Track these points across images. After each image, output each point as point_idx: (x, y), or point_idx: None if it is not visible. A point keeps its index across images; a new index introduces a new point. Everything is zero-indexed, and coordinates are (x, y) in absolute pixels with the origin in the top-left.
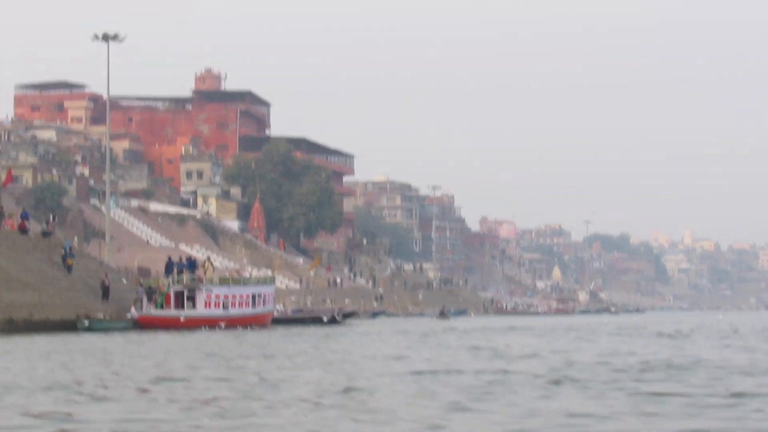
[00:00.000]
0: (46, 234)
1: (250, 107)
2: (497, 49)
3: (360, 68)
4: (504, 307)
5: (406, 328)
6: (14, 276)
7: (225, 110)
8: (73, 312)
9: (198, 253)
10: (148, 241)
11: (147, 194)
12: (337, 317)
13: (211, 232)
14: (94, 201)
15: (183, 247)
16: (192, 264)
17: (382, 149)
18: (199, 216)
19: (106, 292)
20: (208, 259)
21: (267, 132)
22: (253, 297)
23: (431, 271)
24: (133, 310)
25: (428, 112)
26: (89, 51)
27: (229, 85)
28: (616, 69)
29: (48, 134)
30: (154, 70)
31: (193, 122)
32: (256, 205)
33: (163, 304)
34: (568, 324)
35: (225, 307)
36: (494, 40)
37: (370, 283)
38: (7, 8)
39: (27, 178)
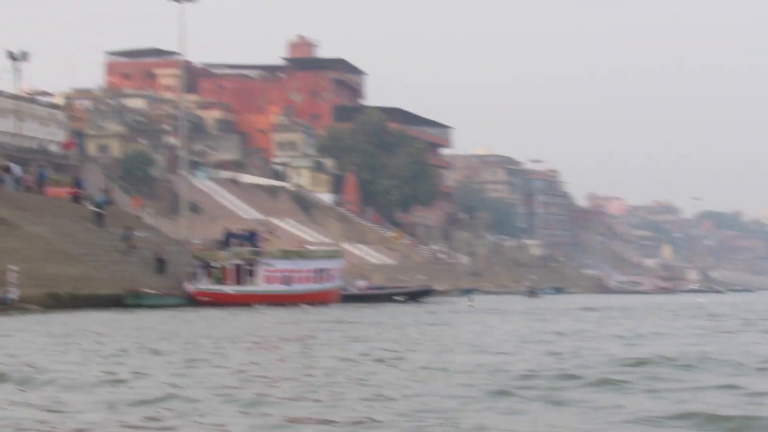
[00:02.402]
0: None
1: (344, 76)
2: (612, 35)
3: (461, 37)
4: (607, 284)
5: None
6: (58, 247)
7: (318, 79)
8: (122, 286)
9: (290, 226)
10: (238, 214)
11: (238, 165)
12: (399, 298)
13: (304, 204)
14: (184, 172)
15: (275, 220)
16: (252, 236)
17: (483, 122)
18: (291, 188)
19: (161, 265)
20: (271, 230)
21: (361, 101)
22: (318, 272)
23: (534, 247)
24: (187, 284)
25: (533, 85)
26: (168, 14)
27: (323, 53)
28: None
29: (137, 103)
30: (247, 38)
31: (285, 91)
32: (350, 177)
33: (221, 278)
34: (656, 303)
35: (287, 282)
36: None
37: (468, 259)
38: None
39: (115, 148)
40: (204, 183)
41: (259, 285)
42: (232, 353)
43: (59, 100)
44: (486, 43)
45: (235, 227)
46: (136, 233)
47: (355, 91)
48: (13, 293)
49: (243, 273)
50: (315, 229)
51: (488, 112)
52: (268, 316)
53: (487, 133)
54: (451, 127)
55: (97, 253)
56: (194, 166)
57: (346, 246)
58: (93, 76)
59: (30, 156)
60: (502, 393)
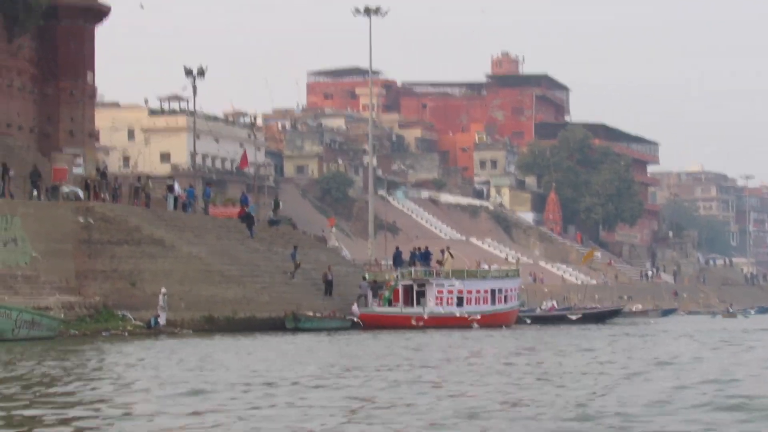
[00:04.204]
0: (273, 222)
1: (548, 92)
2: None
3: (668, 49)
4: None
5: (662, 328)
6: (216, 268)
7: (521, 95)
8: (283, 309)
9: (489, 246)
10: (437, 234)
11: (438, 184)
12: (573, 316)
13: (504, 224)
14: (382, 192)
15: (474, 240)
16: (426, 255)
17: (693, 137)
18: (491, 207)
19: (328, 287)
20: (447, 249)
21: (566, 118)
22: (493, 292)
23: (745, 265)
24: (355, 306)
25: (746, 97)
26: (360, 28)
27: (527, 69)
28: None
29: (337, 122)
30: (450, 56)
31: (488, 108)
32: (552, 195)
33: (391, 300)
34: None
35: (459, 303)
36: None
37: (674, 278)
38: None
39: (312, 168)
40: (402, 203)
41: (430, 306)
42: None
43: (258, 121)
44: (694, 56)
45: (412, 246)
46: (302, 254)
47: (559, 107)
48: (162, 317)
49: (413, 294)
50: (515, 248)
51: (699, 127)
52: (439, 339)
53: (697, 148)
54: (657, 143)
55: (259, 275)
56: (393, 185)
57: (547, 266)
58: (295, 97)
59: (225, 177)
60: None
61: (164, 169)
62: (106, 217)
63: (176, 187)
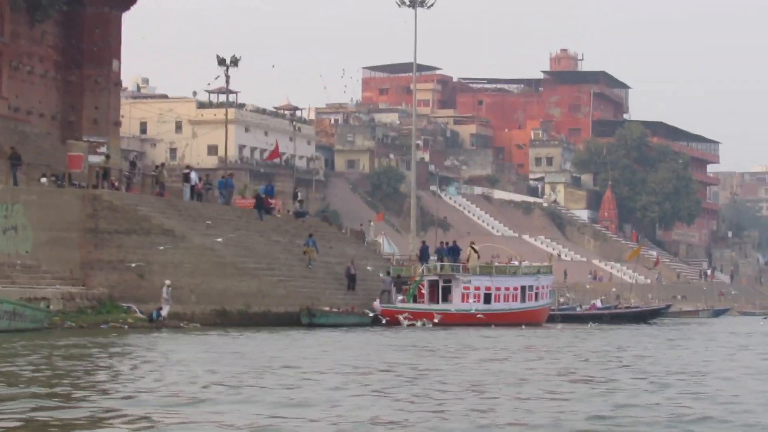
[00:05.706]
0: (299, 215)
1: (606, 89)
2: None
3: (731, 46)
4: None
5: (697, 330)
6: (230, 260)
7: (578, 92)
8: (300, 304)
9: (542, 244)
10: (489, 231)
11: (492, 181)
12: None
13: (558, 221)
14: (434, 187)
15: (527, 237)
16: (455, 250)
17: (757, 138)
18: (545, 204)
19: (351, 281)
20: (471, 244)
21: (625, 116)
22: (522, 289)
23: None
24: (376, 302)
25: None
26: (428, 29)
27: (586, 66)
28: None
29: (390, 118)
30: (509, 52)
31: (544, 105)
32: (608, 193)
33: (415, 295)
34: None
35: (487, 300)
36: None
37: (731, 278)
38: None
39: (363, 163)
40: (455, 199)
41: (455, 303)
42: None
43: (311, 116)
44: (758, 53)
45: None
46: (326, 247)
47: (617, 105)
48: (165, 309)
49: (439, 290)
50: (568, 246)
51: (763, 127)
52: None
53: (762, 149)
54: (718, 143)
55: (277, 268)
56: (446, 181)
57: (601, 264)
58: (351, 92)
59: (274, 170)
60: None
61: (211, 161)
62: (113, 206)
63: (193, 176)
